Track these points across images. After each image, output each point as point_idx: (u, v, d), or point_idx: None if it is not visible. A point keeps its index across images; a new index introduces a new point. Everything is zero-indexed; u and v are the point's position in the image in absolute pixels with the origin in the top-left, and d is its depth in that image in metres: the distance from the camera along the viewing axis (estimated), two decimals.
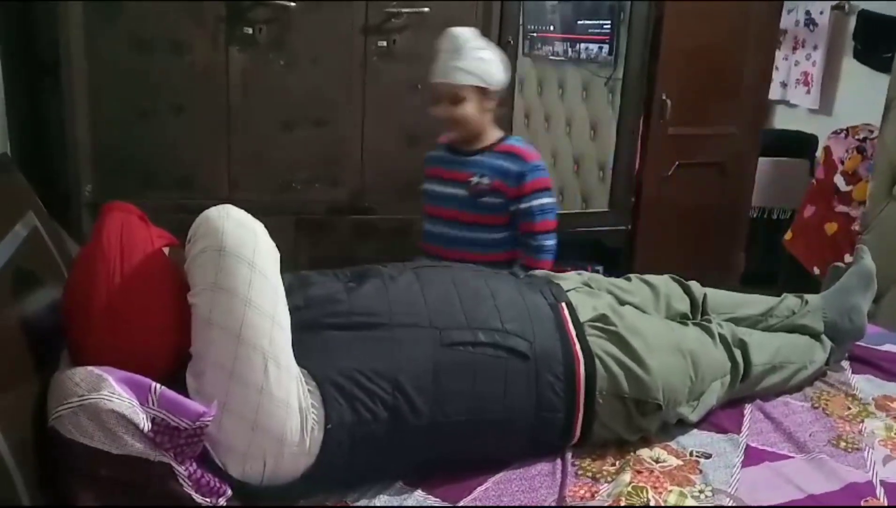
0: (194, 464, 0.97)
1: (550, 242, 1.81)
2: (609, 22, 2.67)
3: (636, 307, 1.43)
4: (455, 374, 1.11)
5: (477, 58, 1.71)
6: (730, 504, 1.11)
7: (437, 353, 1.10)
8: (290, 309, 1.09)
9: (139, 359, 1.02)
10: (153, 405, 0.94)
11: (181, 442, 0.94)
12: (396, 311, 1.16)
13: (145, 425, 0.92)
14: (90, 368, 0.96)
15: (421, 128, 1.76)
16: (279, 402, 1.00)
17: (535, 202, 1.77)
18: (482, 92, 1.72)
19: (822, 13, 3.52)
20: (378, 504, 1.08)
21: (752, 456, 1.23)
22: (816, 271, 2.92)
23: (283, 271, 1.28)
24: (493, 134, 1.80)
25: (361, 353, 1.10)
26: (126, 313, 1.03)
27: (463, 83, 1.70)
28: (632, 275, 1.57)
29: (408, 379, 1.09)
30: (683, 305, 1.52)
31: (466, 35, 1.71)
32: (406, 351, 1.12)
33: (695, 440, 1.28)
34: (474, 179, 1.74)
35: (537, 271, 1.58)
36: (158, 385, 0.96)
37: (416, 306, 1.18)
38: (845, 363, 1.59)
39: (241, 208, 1.15)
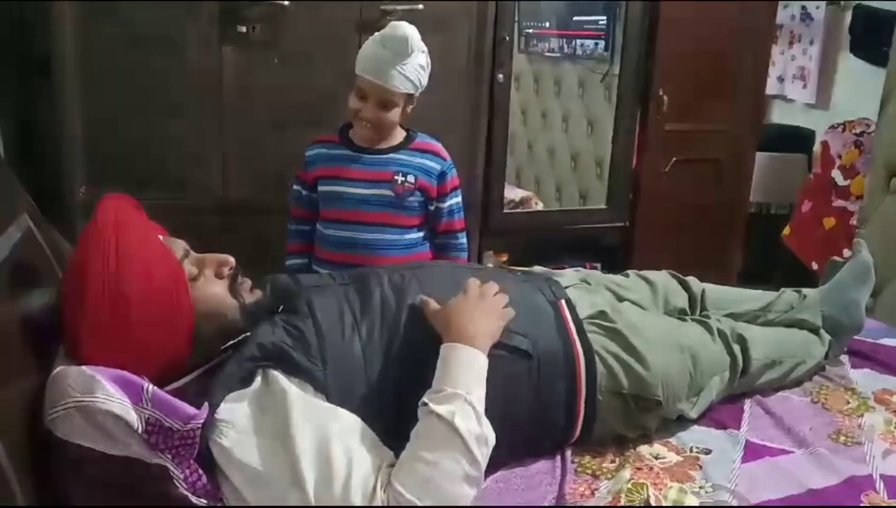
0: (192, 465, 0.96)
1: (465, 239, 1.79)
2: (605, 18, 2.66)
3: (635, 304, 1.43)
4: None
5: (418, 64, 1.58)
6: (730, 500, 1.10)
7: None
8: (297, 334, 1.06)
9: (134, 342, 0.99)
10: (146, 405, 0.93)
11: (176, 443, 0.93)
12: None
13: (139, 426, 0.92)
14: (82, 368, 0.95)
15: (415, 125, 1.74)
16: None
17: (454, 201, 1.73)
18: (409, 97, 1.62)
19: (817, 8, 3.52)
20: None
21: (752, 451, 1.23)
22: (815, 266, 2.92)
23: (277, 270, 1.28)
24: (398, 130, 1.70)
25: (364, 359, 1.07)
26: (122, 291, 0.99)
27: (401, 91, 1.57)
28: (630, 271, 1.57)
29: (412, 382, 1.07)
30: (682, 301, 1.51)
31: (415, 38, 1.56)
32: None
33: (694, 436, 1.27)
34: (399, 179, 1.64)
35: (535, 268, 1.58)
36: (151, 386, 0.95)
37: None
38: (844, 358, 1.59)
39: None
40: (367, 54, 1.59)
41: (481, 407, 0.99)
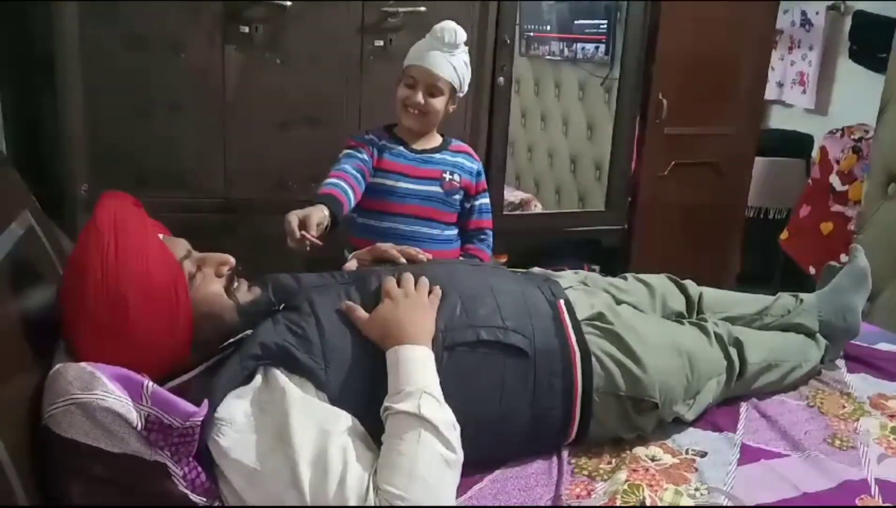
0: (192, 462, 0.96)
1: (492, 239, 1.89)
2: (605, 22, 2.67)
3: (632, 306, 1.43)
4: (456, 375, 1.10)
5: (464, 60, 1.73)
6: (725, 503, 1.11)
7: (440, 354, 1.09)
8: (300, 333, 1.07)
9: (133, 342, 1.00)
10: (146, 402, 0.93)
11: (175, 441, 0.93)
12: None
13: (139, 423, 0.92)
14: (82, 365, 0.95)
15: None
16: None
17: (484, 201, 1.85)
18: (451, 95, 1.73)
19: (817, 13, 3.53)
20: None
21: (748, 455, 1.23)
22: (812, 270, 2.93)
23: (279, 270, 1.28)
24: (437, 134, 1.81)
25: (364, 358, 1.08)
26: (121, 290, 0.99)
27: (447, 78, 1.69)
28: (628, 274, 1.57)
29: None
30: (679, 304, 1.52)
31: (463, 35, 1.72)
32: None
33: (690, 438, 1.28)
34: (447, 176, 1.75)
35: (535, 269, 1.58)
36: (151, 383, 0.95)
37: None
38: (840, 362, 1.59)
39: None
40: (418, 46, 1.72)
41: (441, 397, 1.01)
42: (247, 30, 2.01)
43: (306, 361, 1.03)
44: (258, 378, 1.02)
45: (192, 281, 1.08)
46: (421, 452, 0.94)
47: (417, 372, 1.02)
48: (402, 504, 0.91)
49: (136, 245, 1.02)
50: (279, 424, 0.96)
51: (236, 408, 0.98)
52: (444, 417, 0.98)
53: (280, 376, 1.01)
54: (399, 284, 1.15)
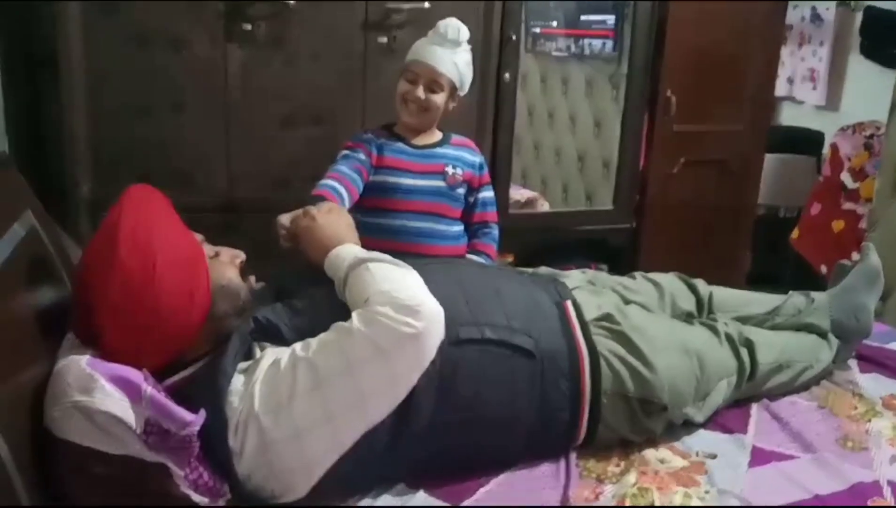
0: (193, 462, 0.96)
1: (497, 232, 1.88)
2: (613, 17, 2.65)
3: (641, 306, 1.42)
4: (461, 372, 1.10)
5: (466, 60, 1.72)
6: (736, 505, 1.09)
7: (444, 351, 1.09)
8: (295, 311, 1.12)
9: (157, 304, 1.01)
10: (145, 405, 0.93)
11: (173, 445, 0.93)
12: None
13: (138, 426, 0.92)
14: (82, 365, 0.96)
15: None
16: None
17: (488, 194, 1.83)
18: (452, 93, 1.72)
19: (828, 9, 3.50)
20: (380, 505, 1.07)
21: (759, 457, 1.22)
22: (823, 269, 2.90)
23: (283, 269, 1.29)
24: (436, 130, 1.79)
25: None
26: (152, 248, 1.02)
27: (448, 75, 1.68)
28: (636, 273, 1.56)
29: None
30: (689, 303, 1.50)
31: (466, 33, 1.71)
32: None
33: (700, 440, 1.26)
34: (450, 170, 1.74)
35: (541, 269, 1.57)
36: (149, 387, 0.95)
37: None
38: (852, 362, 1.58)
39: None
40: (420, 42, 1.71)
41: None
42: (250, 27, 2.00)
43: (294, 342, 1.07)
44: (258, 355, 1.07)
45: (210, 260, 1.12)
46: (374, 272, 1.09)
47: (347, 258, 1.15)
48: (384, 298, 1.03)
49: (163, 219, 1.08)
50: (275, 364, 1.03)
51: (241, 378, 1.03)
52: (381, 253, 1.15)
53: (273, 348, 1.07)
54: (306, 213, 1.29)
